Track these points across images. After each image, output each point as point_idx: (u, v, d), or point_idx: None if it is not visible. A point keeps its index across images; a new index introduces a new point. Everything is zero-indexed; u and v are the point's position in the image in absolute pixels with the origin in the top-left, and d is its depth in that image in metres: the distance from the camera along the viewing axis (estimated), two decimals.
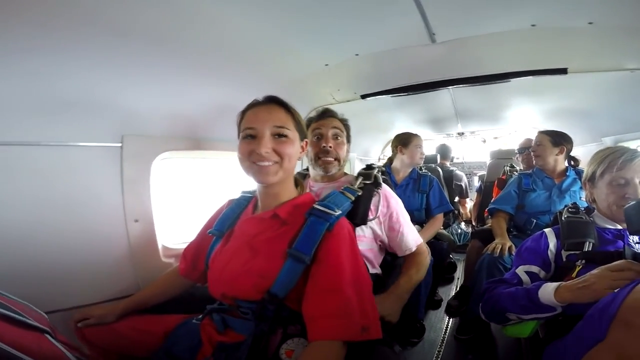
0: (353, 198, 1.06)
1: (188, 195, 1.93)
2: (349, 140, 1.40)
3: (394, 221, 1.27)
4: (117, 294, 1.32)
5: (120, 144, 1.32)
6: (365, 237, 1.24)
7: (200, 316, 1.02)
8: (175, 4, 1.01)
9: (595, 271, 0.88)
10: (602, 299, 0.73)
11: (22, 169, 1.13)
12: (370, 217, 1.21)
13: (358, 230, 1.16)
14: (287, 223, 0.92)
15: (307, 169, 1.50)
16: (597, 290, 0.82)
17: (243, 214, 1.05)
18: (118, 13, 0.98)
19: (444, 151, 3.94)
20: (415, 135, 2.34)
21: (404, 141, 2.31)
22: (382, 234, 1.27)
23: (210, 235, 1.07)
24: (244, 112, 0.96)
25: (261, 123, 0.89)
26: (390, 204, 1.28)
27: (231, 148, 0.94)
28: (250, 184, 1.02)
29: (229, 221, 1.05)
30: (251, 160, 0.89)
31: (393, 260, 1.40)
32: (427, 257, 1.35)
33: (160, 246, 1.51)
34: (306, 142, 1.02)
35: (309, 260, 0.84)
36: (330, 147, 1.31)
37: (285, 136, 0.91)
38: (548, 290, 0.92)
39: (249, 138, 0.90)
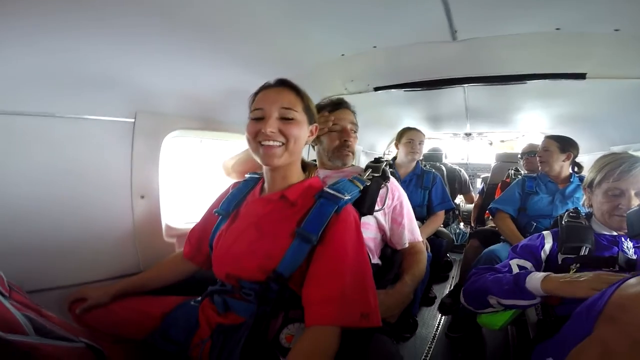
0: (361, 187, 1.06)
1: (195, 176, 1.93)
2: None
3: (397, 213, 1.32)
4: (118, 272, 1.32)
5: (133, 120, 1.32)
6: (370, 225, 1.27)
7: (199, 298, 1.02)
8: None
9: (588, 273, 0.91)
10: (591, 297, 0.75)
11: (36, 139, 1.13)
12: (377, 207, 1.21)
13: (364, 218, 1.17)
14: (295, 204, 0.93)
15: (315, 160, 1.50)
16: (581, 287, 0.86)
17: (250, 194, 1.05)
18: None
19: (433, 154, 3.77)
20: (410, 129, 2.34)
21: (399, 136, 2.36)
22: (386, 225, 1.30)
23: (215, 216, 1.07)
24: (255, 95, 0.96)
25: (269, 104, 0.90)
26: (396, 197, 1.32)
27: (241, 130, 0.94)
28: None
29: (235, 201, 1.05)
30: (257, 140, 0.89)
31: (393, 254, 1.41)
32: (425, 256, 1.37)
33: (164, 225, 1.51)
34: (316, 127, 1.02)
35: (315, 240, 0.85)
36: (351, 141, 1.34)
37: (292, 118, 0.91)
38: (536, 277, 0.95)
39: (257, 119, 0.90)
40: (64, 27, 0.98)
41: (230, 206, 1.04)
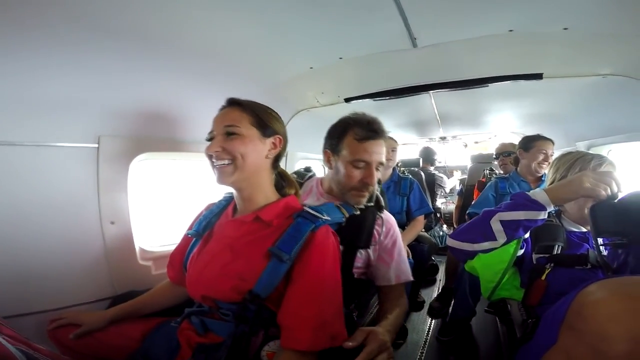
0: (347, 215, 1.04)
1: (171, 197, 1.88)
2: None
3: (387, 253, 1.17)
4: (92, 297, 1.29)
5: (96, 145, 1.28)
6: (361, 259, 1.14)
7: (179, 319, 1.00)
8: (155, 3, 1.00)
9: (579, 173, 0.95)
10: (557, 302, 0.73)
11: None
12: (373, 242, 1.14)
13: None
14: (271, 225, 0.91)
15: (307, 169, 1.46)
16: (577, 184, 0.90)
17: (223, 215, 1.04)
18: (96, 12, 0.97)
19: (427, 154, 3.97)
20: (388, 139, 2.35)
21: None
22: (373, 261, 1.16)
23: (189, 238, 1.06)
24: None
25: (217, 124, 0.92)
26: (389, 234, 1.18)
27: None
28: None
29: (206, 222, 1.03)
30: (211, 162, 0.91)
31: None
32: (406, 300, 1.19)
33: (137, 249, 1.47)
34: (279, 138, 0.97)
35: (288, 260, 0.83)
36: (374, 182, 1.14)
37: (234, 134, 0.89)
38: (537, 192, 0.95)
39: (210, 140, 0.92)
40: (14, 48, 0.95)
41: (201, 227, 1.03)
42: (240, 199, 0.96)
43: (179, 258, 1.09)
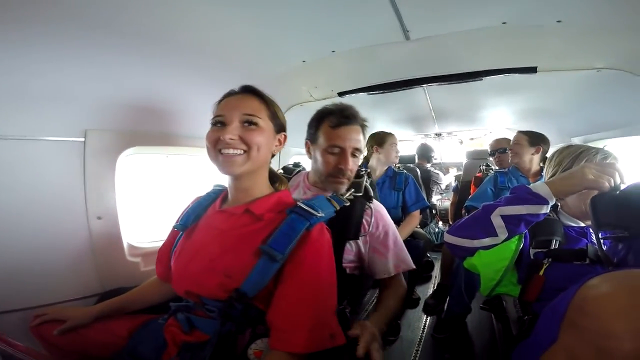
0: (337, 207, 1.01)
1: (162, 192, 1.86)
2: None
3: (381, 243, 1.16)
4: (78, 293, 1.28)
5: (83, 139, 1.26)
6: (351, 252, 1.15)
7: (166, 316, 0.98)
8: None
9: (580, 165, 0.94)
10: (556, 298, 0.70)
11: None
12: (362, 232, 1.13)
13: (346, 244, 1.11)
14: (262, 219, 0.88)
15: (296, 164, 1.44)
16: (580, 176, 0.89)
17: (210, 207, 1.00)
18: (86, 5, 0.95)
19: (424, 151, 3.96)
20: (390, 134, 2.35)
21: (379, 140, 2.33)
22: (365, 253, 1.16)
23: (176, 232, 1.03)
24: (218, 103, 0.93)
25: (231, 110, 0.86)
26: (380, 224, 1.18)
27: (203, 144, 0.91)
28: (223, 180, 0.98)
29: (194, 214, 1.00)
30: (217, 148, 0.85)
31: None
32: (405, 290, 1.19)
33: (125, 244, 1.45)
34: (284, 136, 0.98)
35: (281, 260, 0.80)
36: (350, 170, 1.16)
37: (255, 124, 0.87)
38: (539, 184, 0.94)
39: (218, 125, 0.87)
40: (3, 40, 0.93)
41: (189, 220, 0.99)
42: (236, 190, 0.93)
43: (167, 253, 1.05)
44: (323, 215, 0.90)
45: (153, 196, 1.82)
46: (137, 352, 0.95)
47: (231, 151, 0.84)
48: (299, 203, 0.91)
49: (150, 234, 1.63)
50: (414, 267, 1.22)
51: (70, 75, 1.14)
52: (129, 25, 1.09)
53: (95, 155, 1.29)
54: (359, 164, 1.21)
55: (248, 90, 0.92)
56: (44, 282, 1.21)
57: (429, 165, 4.00)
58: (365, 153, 3.76)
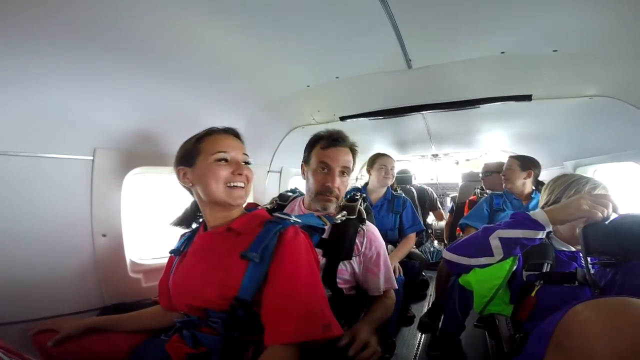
0: (327, 223, 1.09)
1: (161, 211, 1.87)
2: (353, 169, 1.30)
3: (374, 263, 1.23)
4: (81, 307, 1.28)
5: (91, 157, 1.28)
6: (346, 272, 1.20)
7: (170, 332, 1.01)
8: (157, 19, 1.03)
9: (576, 196, 1.01)
10: (546, 319, 0.75)
11: None
12: (355, 253, 1.19)
13: (340, 264, 1.17)
14: (242, 233, 0.95)
15: (293, 190, 1.48)
16: (576, 206, 0.95)
17: (197, 235, 1.07)
18: (99, 24, 0.99)
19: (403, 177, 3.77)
20: (381, 155, 2.37)
21: (371, 162, 2.38)
22: (359, 273, 1.22)
23: (173, 259, 1.10)
24: (202, 137, 1.01)
25: (233, 151, 0.98)
26: (373, 245, 1.24)
27: None
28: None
29: (186, 240, 1.09)
30: (226, 183, 0.95)
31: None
32: (394, 301, 1.29)
33: (128, 261, 1.45)
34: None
35: (264, 261, 0.87)
36: (337, 188, 1.22)
37: (248, 163, 1.02)
38: (537, 212, 1.00)
39: (222, 162, 0.96)
40: (12, 57, 0.96)
41: (181, 245, 1.08)
42: (214, 216, 1.01)
43: (167, 283, 1.10)
44: (298, 220, 1.00)
45: (156, 214, 1.83)
46: None
47: (240, 184, 0.97)
48: (275, 214, 1.01)
49: (153, 251, 1.63)
50: (397, 286, 1.31)
51: (82, 94, 1.17)
52: (141, 48, 1.13)
53: (103, 173, 1.30)
54: (347, 184, 1.28)
55: (234, 132, 1.05)
56: (47, 295, 1.21)
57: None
58: (355, 173, 3.82)
